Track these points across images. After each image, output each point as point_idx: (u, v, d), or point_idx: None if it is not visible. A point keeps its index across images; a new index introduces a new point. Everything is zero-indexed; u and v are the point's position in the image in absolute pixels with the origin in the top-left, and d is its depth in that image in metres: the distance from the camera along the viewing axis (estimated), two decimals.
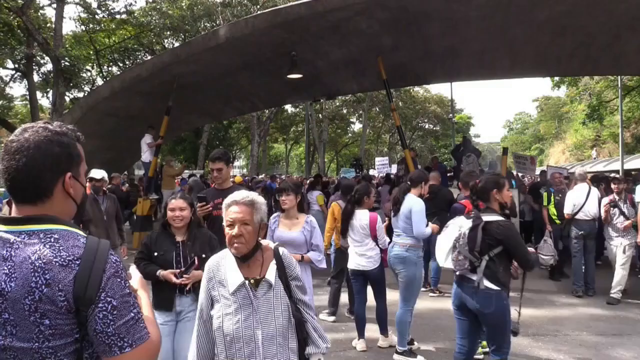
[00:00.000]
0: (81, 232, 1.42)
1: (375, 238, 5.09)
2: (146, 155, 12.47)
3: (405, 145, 11.61)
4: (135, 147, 12.80)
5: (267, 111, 30.25)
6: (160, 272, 3.48)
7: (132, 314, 1.36)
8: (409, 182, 5.37)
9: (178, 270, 3.49)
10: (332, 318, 6.18)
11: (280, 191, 4.25)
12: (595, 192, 7.77)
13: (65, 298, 1.28)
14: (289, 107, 36.83)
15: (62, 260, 1.29)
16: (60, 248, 1.31)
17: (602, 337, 5.54)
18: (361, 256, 5.09)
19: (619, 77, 23.86)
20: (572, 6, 8.08)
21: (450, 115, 40.74)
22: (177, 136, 25.99)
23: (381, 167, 16.61)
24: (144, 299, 1.61)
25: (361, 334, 5.23)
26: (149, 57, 21.58)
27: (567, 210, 7.73)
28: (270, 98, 16.14)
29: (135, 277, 1.70)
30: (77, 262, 1.30)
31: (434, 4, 8.48)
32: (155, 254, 3.56)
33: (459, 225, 3.81)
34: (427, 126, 50.26)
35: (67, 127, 1.47)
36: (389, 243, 5.24)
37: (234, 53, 9.94)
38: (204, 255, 3.42)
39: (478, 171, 10.22)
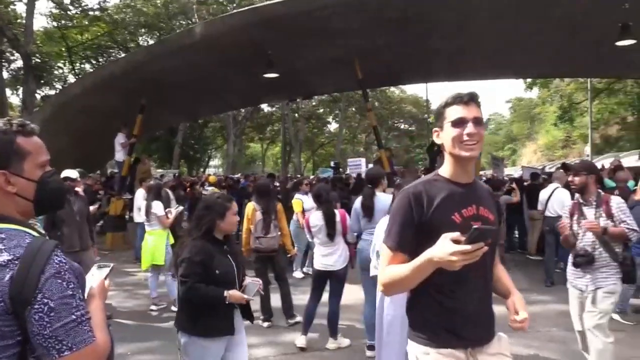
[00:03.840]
0: (33, 232, 1.39)
1: (345, 235, 5.14)
2: (119, 154, 12.29)
3: (380, 145, 11.70)
4: (108, 145, 12.59)
5: (243, 110, 30.10)
6: (229, 294, 2.90)
7: (74, 317, 1.30)
8: (369, 185, 5.26)
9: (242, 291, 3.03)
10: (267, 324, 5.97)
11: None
12: (562, 191, 8.06)
13: (2, 299, 1.25)
14: (265, 107, 36.68)
15: (1, 260, 1.27)
16: (3, 248, 1.29)
17: (570, 333, 5.65)
18: (329, 256, 5.09)
19: (588, 79, 24.51)
20: (555, 10, 8.25)
21: (426, 115, 41.22)
22: (152, 135, 25.66)
23: (354, 167, 16.62)
24: (98, 303, 1.56)
25: (305, 331, 5.17)
26: (123, 55, 21.26)
27: (539, 207, 8.19)
28: (246, 97, 16.08)
29: (94, 280, 1.64)
30: (16, 263, 1.28)
31: (412, 7, 8.55)
32: (217, 271, 2.92)
33: None
34: (402, 126, 50.66)
35: (9, 121, 1.45)
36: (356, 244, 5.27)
37: (209, 51, 9.87)
38: (243, 262, 3.19)
39: None
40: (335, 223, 5.15)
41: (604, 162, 20.08)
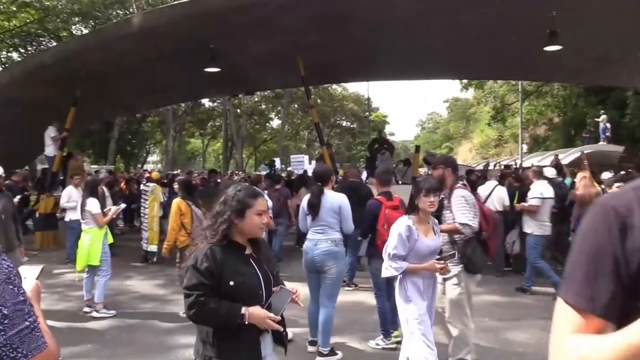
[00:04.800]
0: None
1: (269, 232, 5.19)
2: (50, 149, 11.69)
3: (323, 142, 11.80)
4: (37, 140, 11.93)
5: (183, 105, 29.40)
6: (248, 312, 2.22)
7: (27, 323, 1.25)
8: (319, 183, 5.08)
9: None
10: None
11: (428, 191, 3.67)
12: (501, 188, 8.50)
13: None
14: (206, 101, 36.02)
15: None
16: None
17: (501, 322, 5.98)
18: None
19: (519, 82, 25.77)
20: (490, 15, 8.58)
21: (367, 113, 41.95)
22: (85, 129, 24.54)
23: (297, 164, 16.62)
24: (37, 307, 1.49)
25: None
26: (55, 44, 20.22)
27: None
28: (187, 91, 15.72)
29: (28, 283, 1.56)
30: None
31: (357, 6, 8.64)
32: (232, 282, 2.24)
33: None
34: (344, 123, 51.33)
35: None
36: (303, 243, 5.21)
37: (148, 43, 9.56)
38: (275, 271, 2.51)
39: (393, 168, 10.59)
40: None
41: (532, 160, 21.26)
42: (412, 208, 3.80)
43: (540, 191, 7.41)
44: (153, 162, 52.90)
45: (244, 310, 2.21)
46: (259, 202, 2.39)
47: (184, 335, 5.46)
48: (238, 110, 37.95)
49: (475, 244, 4.24)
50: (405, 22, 9.00)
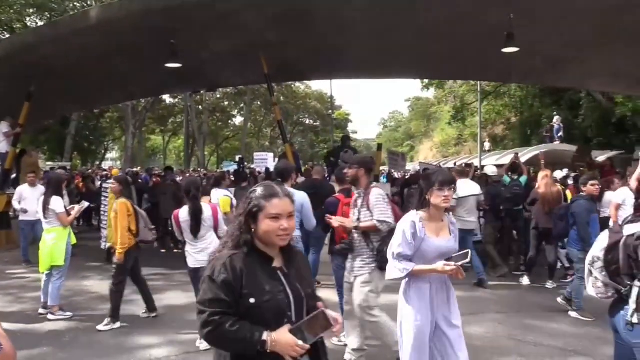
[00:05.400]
0: None
1: (216, 229, 5.20)
2: (2, 146, 11.25)
3: (285, 140, 11.79)
4: None
5: (143, 100, 28.75)
6: (271, 338, 1.82)
7: None
8: (279, 179, 5.19)
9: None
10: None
11: (443, 184, 3.26)
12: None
13: None
14: (167, 97, 35.37)
15: None
16: None
17: (461, 317, 6.15)
18: (202, 252, 5.08)
19: (479, 82, 26.40)
20: (450, 15, 8.74)
21: (330, 111, 42.09)
22: (40, 125, 23.68)
23: (261, 161, 16.50)
24: None
25: None
26: (7, 36, 19.44)
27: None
28: (147, 87, 15.39)
29: None
30: None
31: (319, 4, 8.66)
32: (253, 300, 1.87)
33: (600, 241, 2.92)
34: (307, 121, 51.39)
35: None
36: None
37: (107, 37, 9.30)
38: (310, 290, 2.09)
39: None
40: (200, 219, 5.12)
41: (491, 159, 21.87)
42: (421, 203, 3.36)
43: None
44: (112, 159, 51.55)
45: (265, 335, 1.80)
46: (273, 204, 1.94)
47: (143, 336, 5.39)
48: (200, 107, 37.44)
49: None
50: (365, 21, 9.07)
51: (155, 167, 27.69)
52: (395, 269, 3.31)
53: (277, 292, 1.91)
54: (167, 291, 7.14)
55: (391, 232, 3.92)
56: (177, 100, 36.72)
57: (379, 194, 4.26)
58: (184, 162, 33.58)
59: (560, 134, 22.00)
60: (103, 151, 41.28)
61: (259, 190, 2.01)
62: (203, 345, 4.77)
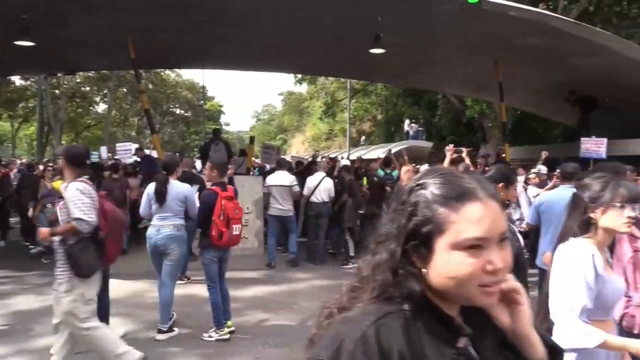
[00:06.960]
0: None
1: None
2: None
3: (154, 130, 11.28)
4: None
5: None
6: None
7: None
8: (164, 172, 5.53)
9: None
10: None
11: (627, 200, 2.14)
12: (328, 180, 9.11)
13: None
14: (16, 79, 31.70)
15: None
16: None
17: None
18: None
19: (348, 80, 27.59)
20: (317, 13, 8.99)
21: (202, 102, 41.03)
22: None
23: (124, 153, 15.21)
24: None
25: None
26: None
27: (305, 192, 9.05)
28: None
29: None
30: None
31: None
32: None
33: None
34: (178, 111, 49.49)
35: None
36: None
37: None
38: None
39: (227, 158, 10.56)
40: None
41: (358, 153, 23.07)
42: (583, 226, 2.22)
43: (267, 182, 8.95)
44: None
45: None
46: (468, 215, 0.94)
47: None
48: (56, 91, 34.08)
49: (88, 244, 3.76)
50: (243, 12, 9.02)
51: (3, 157, 24.73)
52: (579, 334, 2.04)
53: None
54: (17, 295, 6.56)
55: (93, 233, 3.72)
56: (29, 82, 33.06)
57: (75, 189, 3.75)
58: (37, 152, 30.47)
59: (417, 137, 24.49)
60: None
61: (437, 185, 0.98)
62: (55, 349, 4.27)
